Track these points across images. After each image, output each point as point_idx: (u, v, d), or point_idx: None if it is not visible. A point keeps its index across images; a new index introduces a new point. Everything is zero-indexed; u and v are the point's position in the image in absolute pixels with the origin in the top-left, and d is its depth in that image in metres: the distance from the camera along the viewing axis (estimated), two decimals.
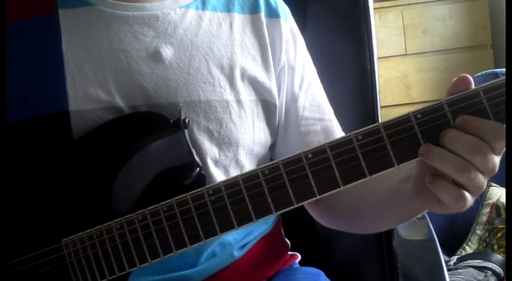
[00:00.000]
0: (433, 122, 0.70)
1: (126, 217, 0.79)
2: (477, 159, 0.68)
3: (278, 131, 1.04)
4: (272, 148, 1.06)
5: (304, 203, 0.75)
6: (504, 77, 0.69)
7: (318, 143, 0.96)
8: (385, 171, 0.72)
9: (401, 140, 0.71)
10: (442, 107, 0.70)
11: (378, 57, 1.31)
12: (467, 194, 0.70)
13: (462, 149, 0.69)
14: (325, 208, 1.02)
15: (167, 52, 0.93)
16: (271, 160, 1.06)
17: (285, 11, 1.07)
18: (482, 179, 0.70)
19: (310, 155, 0.74)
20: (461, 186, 0.70)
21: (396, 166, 0.72)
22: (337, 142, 0.73)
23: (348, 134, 0.73)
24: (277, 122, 1.03)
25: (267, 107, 1.01)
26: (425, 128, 0.71)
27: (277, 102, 1.02)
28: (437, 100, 0.71)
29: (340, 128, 1.06)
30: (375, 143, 0.72)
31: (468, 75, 0.72)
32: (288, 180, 0.74)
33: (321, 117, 1.05)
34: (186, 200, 0.77)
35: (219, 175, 0.94)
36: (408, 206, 0.83)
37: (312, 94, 1.06)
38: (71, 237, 0.81)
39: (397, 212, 0.88)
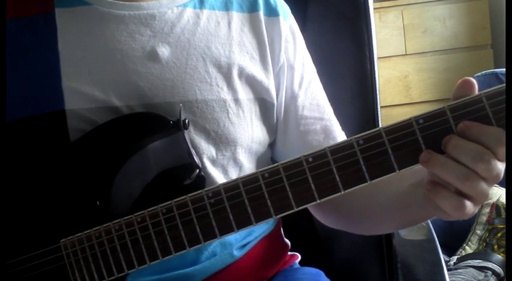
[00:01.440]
0: (435, 127, 0.70)
1: (125, 218, 0.79)
2: (480, 167, 0.68)
3: (277, 130, 1.04)
4: (272, 146, 1.06)
5: (304, 207, 0.75)
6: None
7: (317, 143, 0.96)
8: (386, 176, 0.72)
9: (402, 145, 0.71)
10: (445, 112, 0.70)
11: (378, 57, 1.31)
12: (467, 202, 0.70)
13: (465, 158, 0.68)
14: (330, 208, 1.02)
15: (164, 51, 0.93)
16: (271, 158, 1.06)
17: (284, 9, 1.07)
18: (485, 187, 0.69)
19: (310, 159, 0.73)
20: (463, 194, 0.70)
21: (397, 171, 0.71)
22: (338, 146, 0.73)
23: (349, 139, 0.73)
24: (275, 120, 1.03)
25: (265, 106, 1.00)
26: (427, 133, 0.70)
27: (275, 101, 1.01)
28: (439, 104, 0.71)
29: (339, 128, 1.06)
30: (376, 148, 0.71)
31: (471, 79, 0.71)
32: (288, 184, 0.74)
33: (321, 117, 1.05)
34: (186, 202, 0.77)
35: (217, 175, 0.94)
36: (417, 212, 0.83)
37: (311, 93, 1.06)
38: (69, 238, 0.81)
39: (404, 217, 0.88)
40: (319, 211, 1.06)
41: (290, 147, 1.04)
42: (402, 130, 0.71)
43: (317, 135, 1.03)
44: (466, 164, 0.68)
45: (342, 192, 0.73)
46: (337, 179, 0.72)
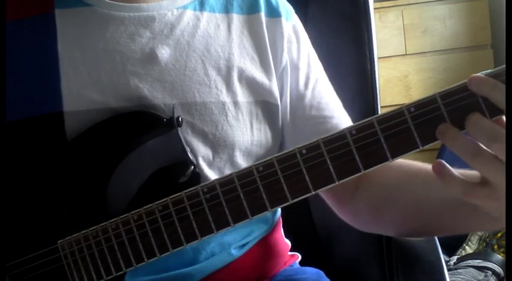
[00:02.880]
0: (427, 115, 0.70)
1: (121, 217, 0.79)
2: (494, 146, 0.67)
3: (285, 132, 1.03)
4: (282, 148, 1.04)
5: (299, 199, 0.75)
6: (498, 69, 0.69)
7: None
8: (380, 165, 0.72)
9: (395, 134, 0.71)
10: (436, 100, 0.70)
11: (378, 57, 1.31)
12: (478, 188, 0.69)
13: (481, 135, 0.68)
14: (367, 208, 0.99)
15: (163, 53, 0.92)
16: None
17: (287, 9, 1.06)
18: (499, 168, 0.67)
19: (304, 151, 0.74)
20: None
21: (390, 160, 0.72)
22: (330, 137, 0.73)
23: (342, 129, 0.73)
24: (280, 122, 1.02)
25: (268, 109, 1.00)
26: (418, 121, 0.70)
27: (279, 103, 1.01)
28: (430, 94, 0.71)
29: (350, 123, 1.04)
30: (368, 138, 0.72)
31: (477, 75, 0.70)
32: (282, 176, 0.74)
33: (331, 115, 1.03)
34: (181, 198, 0.77)
35: (213, 177, 0.92)
36: (466, 219, 0.82)
37: (319, 92, 1.05)
38: (66, 238, 0.81)
39: (455, 221, 0.87)
40: (350, 212, 1.03)
41: None
42: (394, 119, 0.71)
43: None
44: (481, 142, 0.68)
45: (336, 183, 0.73)
46: (331, 169, 0.73)
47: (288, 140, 1.04)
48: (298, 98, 1.03)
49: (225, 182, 0.76)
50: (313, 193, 0.74)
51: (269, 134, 1.00)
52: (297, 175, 0.74)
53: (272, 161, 0.74)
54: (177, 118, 0.85)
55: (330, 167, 0.73)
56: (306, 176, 0.73)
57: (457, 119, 0.70)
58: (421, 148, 0.71)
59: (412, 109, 0.71)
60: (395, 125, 0.71)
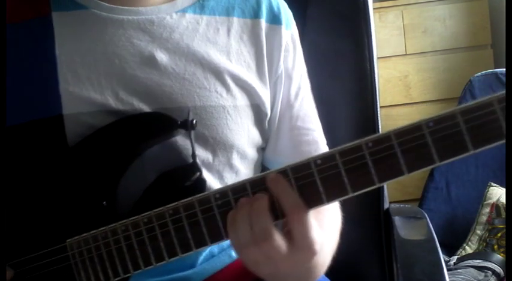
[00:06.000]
0: (445, 130, 0.68)
1: (131, 218, 0.79)
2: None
3: (270, 138, 1.04)
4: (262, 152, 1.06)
5: (312, 209, 0.73)
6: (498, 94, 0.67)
7: (308, 154, 0.94)
8: (395, 179, 0.71)
9: (412, 149, 0.69)
10: (455, 115, 0.67)
11: (378, 57, 1.32)
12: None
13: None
14: None
15: (162, 57, 0.92)
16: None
17: (287, 17, 1.06)
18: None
19: (319, 161, 0.72)
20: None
21: (406, 174, 0.70)
22: (346, 148, 0.71)
23: (358, 141, 0.71)
24: (266, 126, 1.03)
25: (258, 112, 1.00)
26: (437, 136, 0.68)
27: (268, 111, 1.01)
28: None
29: (324, 142, 1.06)
30: (385, 151, 0.70)
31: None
32: (296, 186, 0.73)
33: (313, 128, 1.05)
34: (192, 203, 0.77)
35: (211, 180, 0.94)
36: None
37: (306, 104, 1.06)
38: (75, 238, 0.81)
39: None
40: None
41: (280, 156, 1.03)
42: (412, 133, 0.69)
43: (308, 146, 1.03)
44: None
45: (350, 195, 0.72)
46: (346, 181, 0.71)
47: (270, 146, 1.05)
48: (287, 107, 1.04)
49: (237, 189, 0.75)
50: (327, 204, 0.72)
51: (259, 136, 1.01)
52: (310, 185, 0.72)
53: (286, 170, 0.73)
54: (191, 121, 0.85)
55: (345, 179, 0.71)
56: (320, 187, 0.72)
57: (477, 135, 0.67)
58: (438, 163, 0.69)
59: (431, 124, 0.68)
60: (413, 139, 0.69)
